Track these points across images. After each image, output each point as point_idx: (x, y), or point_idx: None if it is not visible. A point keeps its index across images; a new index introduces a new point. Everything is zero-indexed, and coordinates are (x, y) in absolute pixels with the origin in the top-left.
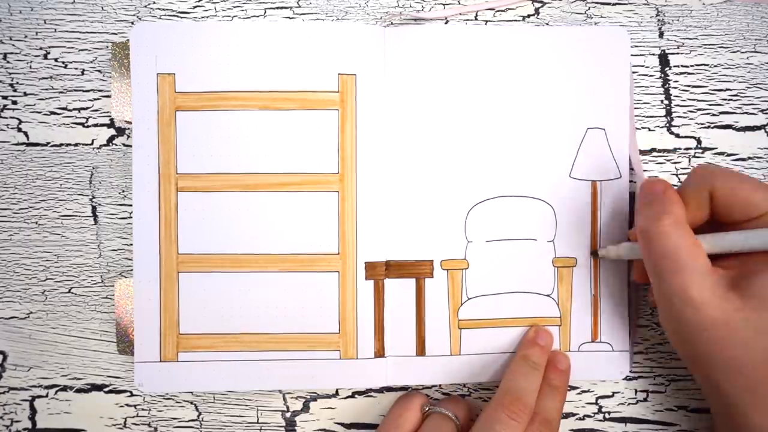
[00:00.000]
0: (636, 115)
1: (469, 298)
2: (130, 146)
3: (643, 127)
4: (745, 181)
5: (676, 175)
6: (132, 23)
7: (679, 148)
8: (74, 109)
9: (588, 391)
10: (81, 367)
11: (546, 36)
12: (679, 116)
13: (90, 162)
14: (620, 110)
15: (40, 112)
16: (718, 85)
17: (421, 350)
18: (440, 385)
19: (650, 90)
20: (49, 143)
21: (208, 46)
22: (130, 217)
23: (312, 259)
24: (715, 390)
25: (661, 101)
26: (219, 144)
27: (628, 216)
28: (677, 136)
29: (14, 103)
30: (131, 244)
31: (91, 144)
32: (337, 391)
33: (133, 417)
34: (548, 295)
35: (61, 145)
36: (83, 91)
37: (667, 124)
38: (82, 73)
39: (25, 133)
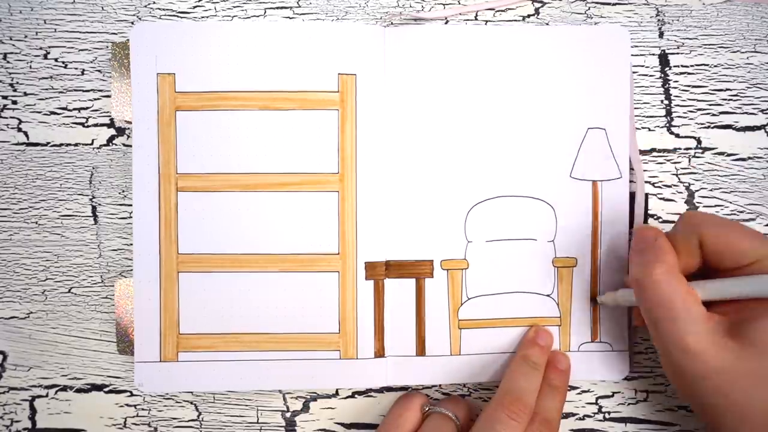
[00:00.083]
0: (636, 115)
1: (469, 298)
2: (130, 146)
3: (643, 127)
4: (733, 228)
5: (676, 175)
6: (132, 23)
7: (679, 148)
8: (74, 109)
9: (588, 391)
10: (81, 367)
11: (546, 36)
12: (679, 116)
13: (90, 162)
14: (620, 110)
15: (40, 112)
16: (718, 85)
17: (421, 350)
18: (440, 385)
19: (650, 90)
20: (49, 143)
21: (208, 46)
22: (130, 217)
23: (312, 259)
24: None
25: (661, 101)
26: (219, 144)
27: (628, 216)
28: (677, 136)
29: (14, 103)
30: (131, 244)
31: (91, 144)
32: (337, 391)
33: (133, 417)
34: (548, 295)
35: (61, 145)
36: (83, 91)
37: (667, 124)
38: (82, 73)
39: (25, 133)
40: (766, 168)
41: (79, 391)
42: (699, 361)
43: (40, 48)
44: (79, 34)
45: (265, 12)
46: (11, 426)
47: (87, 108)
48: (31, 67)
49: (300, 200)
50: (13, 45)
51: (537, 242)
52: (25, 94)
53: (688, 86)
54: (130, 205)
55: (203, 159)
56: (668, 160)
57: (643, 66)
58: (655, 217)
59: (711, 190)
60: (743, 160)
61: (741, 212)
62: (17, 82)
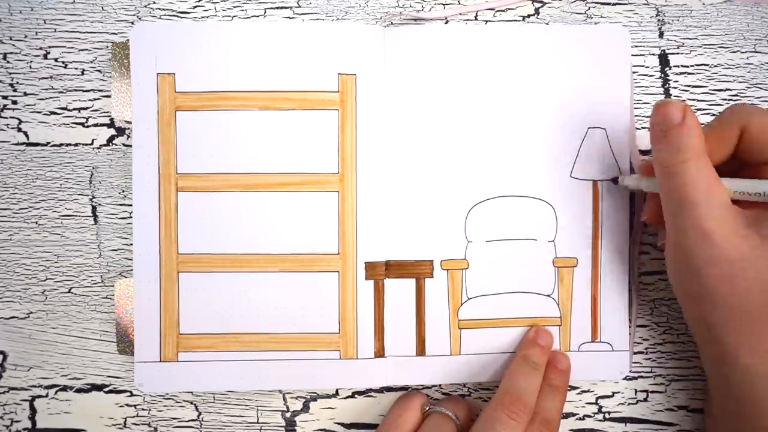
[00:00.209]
0: (636, 115)
1: (469, 298)
2: (130, 146)
3: (643, 127)
4: None
5: None
6: (132, 23)
7: None
8: (74, 109)
9: (588, 391)
10: (81, 367)
11: (546, 36)
12: None
13: (90, 162)
14: (621, 110)
15: (40, 112)
16: (718, 85)
17: (421, 350)
18: (440, 385)
19: (650, 90)
20: (49, 143)
21: (208, 46)
22: (130, 217)
23: (312, 259)
24: (710, 330)
25: None
26: (219, 144)
27: (628, 216)
28: None
29: (14, 103)
30: (131, 244)
31: (91, 144)
32: (337, 391)
33: (133, 417)
34: (548, 295)
35: (61, 145)
36: (83, 91)
37: None
38: (82, 73)
39: (25, 133)
40: None
41: (79, 391)
42: (715, 247)
43: (40, 48)
44: (79, 34)
45: (265, 12)
46: (11, 426)
47: (87, 108)
48: (31, 67)
49: (300, 200)
50: (13, 45)
51: (537, 242)
52: (25, 94)
53: (688, 86)
54: (130, 205)
55: (203, 159)
56: None
57: (643, 66)
58: None
59: None
60: None
61: None
62: (17, 82)
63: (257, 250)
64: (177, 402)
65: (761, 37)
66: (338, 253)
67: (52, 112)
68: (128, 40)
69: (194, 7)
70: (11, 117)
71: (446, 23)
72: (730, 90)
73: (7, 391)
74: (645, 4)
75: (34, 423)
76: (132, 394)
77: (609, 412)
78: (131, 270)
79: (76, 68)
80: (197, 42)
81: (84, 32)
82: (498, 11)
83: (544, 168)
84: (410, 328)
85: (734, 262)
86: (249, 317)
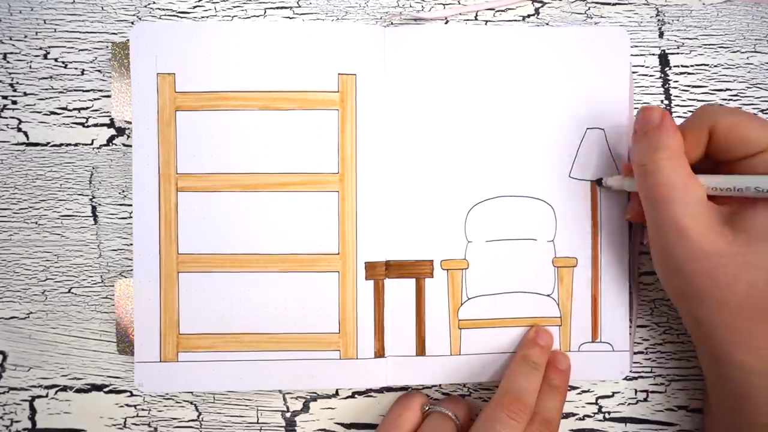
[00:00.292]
0: (635, 116)
1: (469, 298)
2: (130, 146)
3: None
4: (747, 117)
5: None
6: (132, 23)
7: None
8: (74, 109)
9: (588, 391)
10: (81, 367)
11: (546, 36)
12: (679, 116)
13: (90, 162)
14: (620, 110)
15: (40, 112)
16: (718, 85)
17: (421, 350)
18: (440, 385)
19: (650, 90)
20: (49, 143)
21: (208, 46)
22: (130, 217)
23: (312, 259)
24: (700, 326)
25: (661, 101)
26: (219, 144)
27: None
28: None
29: (14, 103)
30: (131, 244)
31: (91, 144)
32: (337, 391)
33: (133, 417)
34: (548, 295)
35: (61, 145)
36: (83, 91)
37: None
38: (82, 73)
39: (25, 133)
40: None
41: (79, 391)
42: (692, 243)
43: (40, 48)
44: (79, 34)
45: (265, 12)
46: (11, 426)
47: (87, 108)
48: (31, 67)
49: (300, 200)
50: (13, 45)
51: (537, 242)
52: (25, 94)
53: (688, 86)
54: (130, 205)
55: (203, 159)
56: None
57: (643, 66)
58: None
59: None
60: None
61: None
62: (17, 82)
63: (257, 250)
64: (177, 402)
65: (761, 37)
66: (338, 253)
67: (52, 112)
68: (128, 40)
69: (194, 7)
70: (11, 117)
71: (446, 23)
72: (730, 90)
73: (7, 391)
74: (645, 4)
75: (34, 423)
76: (132, 394)
77: (609, 412)
78: (131, 270)
79: (76, 68)
80: (197, 42)
81: (84, 32)
82: (498, 11)
83: (543, 168)
84: (410, 328)
85: (711, 257)
86: (249, 317)
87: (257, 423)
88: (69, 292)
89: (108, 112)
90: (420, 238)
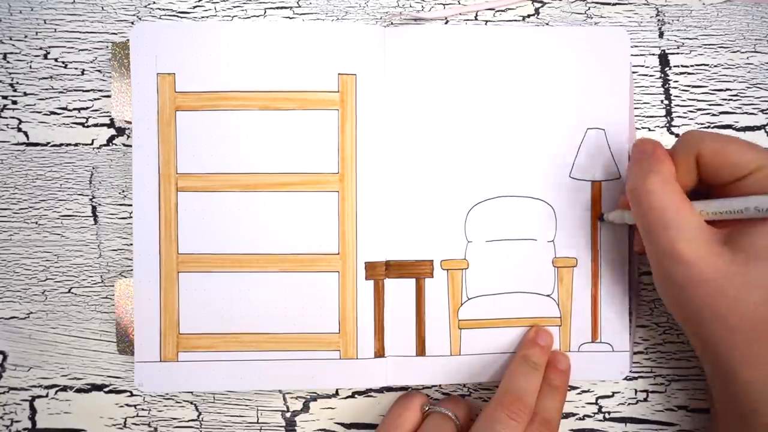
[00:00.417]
0: (636, 115)
1: (469, 298)
2: (130, 146)
3: (643, 127)
4: (732, 141)
5: None
6: (132, 23)
7: None
8: (74, 109)
9: (588, 391)
10: (81, 367)
11: (546, 36)
12: (679, 116)
13: (90, 162)
14: (620, 110)
15: (40, 112)
16: (718, 85)
17: (421, 350)
18: (440, 385)
19: (650, 90)
20: (49, 143)
21: (208, 46)
22: (130, 217)
23: (312, 259)
24: (705, 346)
25: (661, 101)
26: (219, 144)
27: None
28: (677, 136)
29: (14, 103)
30: (131, 244)
31: (91, 144)
32: (337, 391)
33: (133, 417)
34: (548, 295)
35: (61, 145)
36: (83, 91)
37: (667, 124)
38: (82, 73)
39: (25, 133)
40: None
41: (79, 391)
42: (690, 268)
43: (40, 48)
44: (79, 34)
45: (265, 12)
46: (11, 426)
47: (87, 108)
48: (31, 67)
49: (300, 200)
50: (13, 45)
51: (537, 242)
52: (25, 94)
53: (688, 86)
54: (130, 205)
55: (203, 159)
56: None
57: (643, 66)
58: None
59: None
60: None
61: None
62: (17, 82)
63: (257, 250)
64: (177, 402)
65: (761, 37)
66: (338, 253)
67: (52, 112)
68: (128, 40)
69: (194, 7)
70: (11, 117)
71: (446, 23)
72: (730, 90)
73: (7, 391)
74: (645, 4)
75: (34, 423)
76: (132, 394)
77: (609, 412)
78: (131, 270)
79: (76, 68)
80: (197, 42)
81: (84, 32)
82: (498, 11)
83: (543, 168)
84: (410, 328)
85: (710, 280)
86: (249, 317)
87: (257, 423)
88: (69, 292)
89: (108, 112)
90: (420, 238)
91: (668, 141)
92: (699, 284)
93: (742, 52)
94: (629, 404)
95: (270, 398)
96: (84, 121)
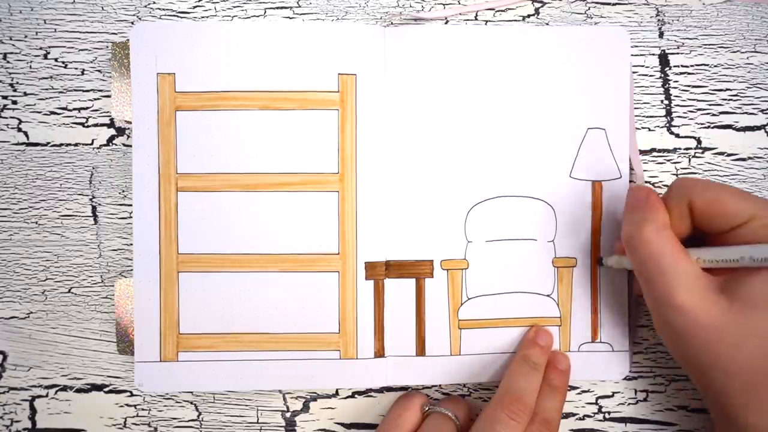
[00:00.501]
0: (636, 115)
1: (469, 298)
2: (130, 146)
3: (643, 127)
4: (723, 191)
5: (676, 175)
6: (132, 23)
7: (679, 148)
8: (74, 109)
9: (588, 391)
10: (81, 367)
11: (546, 36)
12: (679, 116)
13: (90, 162)
14: (620, 110)
15: (40, 112)
16: (718, 85)
17: (421, 350)
18: (440, 385)
19: (650, 90)
20: (49, 143)
21: (208, 46)
22: (130, 217)
23: (312, 259)
24: (710, 391)
25: (661, 101)
26: (219, 144)
27: None
28: (677, 136)
29: (14, 103)
30: (131, 244)
31: (91, 144)
32: (337, 391)
33: (133, 417)
34: (548, 295)
35: (61, 145)
36: (83, 91)
37: (667, 124)
38: (82, 73)
39: (25, 133)
40: (766, 168)
41: (79, 391)
42: (688, 316)
43: (40, 48)
44: (79, 34)
45: (265, 12)
46: (11, 426)
47: (87, 108)
48: (31, 67)
49: (300, 200)
50: (13, 45)
51: (537, 242)
52: (25, 94)
53: (688, 86)
54: (130, 205)
55: (203, 159)
56: (668, 160)
57: (643, 66)
58: None
59: None
60: (743, 160)
61: None
62: (17, 82)
63: (257, 250)
64: (177, 402)
65: (761, 37)
66: (338, 253)
67: (52, 112)
68: (128, 40)
69: (194, 7)
70: (11, 117)
71: (446, 23)
72: (730, 90)
73: (7, 391)
74: (645, 4)
75: (34, 423)
76: (132, 394)
77: (609, 412)
78: (131, 270)
79: (76, 68)
80: (197, 42)
81: (84, 32)
82: (498, 11)
83: (543, 168)
84: (410, 328)
85: (708, 329)
86: (249, 317)
87: (257, 423)
88: (69, 292)
89: (108, 112)
90: (420, 238)
91: (668, 141)
92: (697, 332)
93: (742, 52)
94: (629, 404)
95: (270, 398)
96: (84, 121)
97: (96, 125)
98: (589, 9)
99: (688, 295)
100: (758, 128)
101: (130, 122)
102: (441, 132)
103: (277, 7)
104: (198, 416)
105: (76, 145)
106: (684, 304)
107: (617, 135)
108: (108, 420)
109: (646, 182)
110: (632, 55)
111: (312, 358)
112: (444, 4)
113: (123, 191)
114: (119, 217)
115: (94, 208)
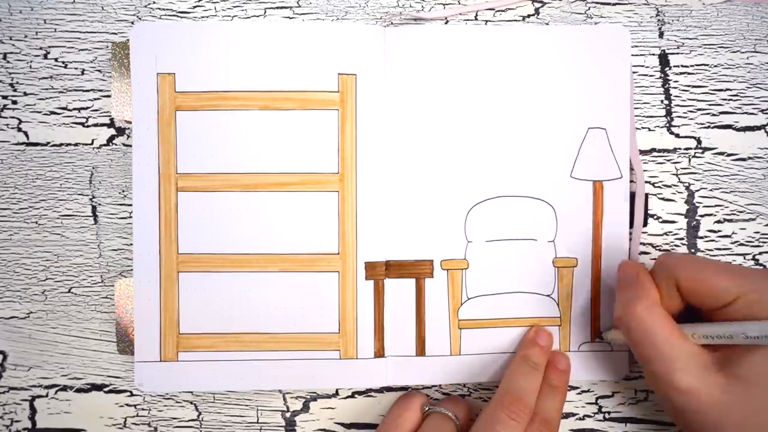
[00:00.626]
0: (636, 115)
1: (469, 298)
2: (130, 146)
3: (643, 127)
4: (708, 268)
5: (676, 175)
6: (132, 23)
7: (679, 148)
8: (74, 108)
9: (588, 391)
10: (81, 367)
11: (546, 36)
12: (679, 116)
13: (90, 162)
14: (621, 110)
15: (40, 112)
16: (718, 85)
17: (421, 350)
18: (440, 385)
19: (650, 90)
20: (49, 143)
21: (208, 46)
22: (130, 217)
23: (312, 259)
24: None
25: (661, 101)
26: (219, 144)
27: (628, 216)
28: (677, 136)
29: (14, 103)
30: (131, 244)
31: (91, 144)
32: (337, 391)
33: (133, 417)
34: (548, 295)
35: (61, 145)
36: (83, 91)
37: (667, 124)
38: (82, 73)
39: (25, 133)
40: (766, 168)
41: (79, 391)
42: (689, 397)
43: (40, 48)
44: (79, 34)
45: (265, 12)
46: (11, 426)
47: (87, 108)
48: (31, 67)
49: (300, 200)
50: (13, 45)
51: (537, 242)
52: (25, 94)
53: (688, 86)
54: (130, 205)
55: (203, 159)
56: (668, 160)
57: (643, 66)
58: (655, 217)
59: (711, 190)
60: (743, 160)
61: (741, 212)
62: (17, 82)
63: (257, 250)
64: (177, 402)
65: (761, 37)
66: (338, 253)
67: (52, 112)
68: (128, 40)
69: (194, 7)
70: (11, 117)
71: (446, 23)
72: (730, 90)
73: (7, 391)
74: (645, 4)
75: (34, 423)
76: (132, 394)
77: (609, 412)
78: (131, 270)
79: (76, 68)
80: (197, 42)
81: (84, 32)
82: (498, 11)
83: (544, 168)
84: (410, 328)
85: (710, 410)
86: (249, 317)
87: (257, 423)
88: (69, 292)
89: (108, 112)
90: (420, 238)
91: (668, 141)
92: (698, 412)
93: (742, 52)
94: (629, 404)
95: (270, 398)
96: (84, 121)
97: (96, 125)
98: (589, 9)
99: (686, 376)
100: (758, 128)
101: (130, 122)
102: (441, 132)
103: (277, 7)
104: (198, 416)
105: (76, 145)
106: (683, 386)
107: (617, 135)
108: (108, 420)
109: (646, 182)
110: (632, 55)
111: (312, 358)
112: (444, 4)
113: (123, 191)
114: (119, 217)
115: (94, 208)
